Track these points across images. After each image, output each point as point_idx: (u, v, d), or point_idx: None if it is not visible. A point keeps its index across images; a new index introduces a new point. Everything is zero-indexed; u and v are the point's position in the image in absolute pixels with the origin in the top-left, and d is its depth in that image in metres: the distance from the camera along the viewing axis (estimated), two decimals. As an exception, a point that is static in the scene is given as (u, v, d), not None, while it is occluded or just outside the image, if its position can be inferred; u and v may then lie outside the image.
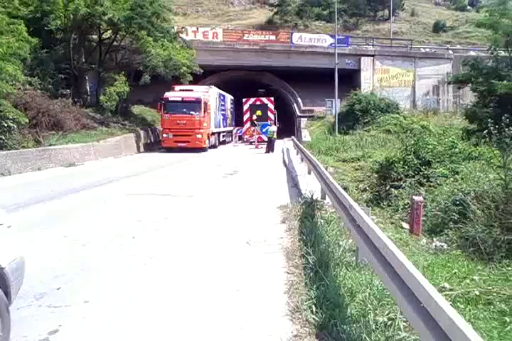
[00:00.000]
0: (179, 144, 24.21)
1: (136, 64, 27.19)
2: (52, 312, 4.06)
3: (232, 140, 35.87)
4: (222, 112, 32.06)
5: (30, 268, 4.01)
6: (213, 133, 27.69)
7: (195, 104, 24.55)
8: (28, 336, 3.63)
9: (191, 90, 26.43)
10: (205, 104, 25.07)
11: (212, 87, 29.44)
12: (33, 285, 4.48)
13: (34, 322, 3.89)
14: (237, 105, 36.40)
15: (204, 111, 24.72)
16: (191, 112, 24.40)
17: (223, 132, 32.41)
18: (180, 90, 26.45)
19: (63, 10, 23.28)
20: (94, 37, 28.50)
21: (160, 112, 25.42)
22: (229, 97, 35.51)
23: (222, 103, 32.37)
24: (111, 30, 27.83)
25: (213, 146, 27.73)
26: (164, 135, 24.65)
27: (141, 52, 26.60)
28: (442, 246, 7.21)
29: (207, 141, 25.49)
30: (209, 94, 27.05)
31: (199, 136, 24.54)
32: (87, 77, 28.82)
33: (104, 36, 28.38)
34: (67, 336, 3.65)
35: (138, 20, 24.94)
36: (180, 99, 24.82)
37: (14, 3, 22.97)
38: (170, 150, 24.19)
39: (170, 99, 24.85)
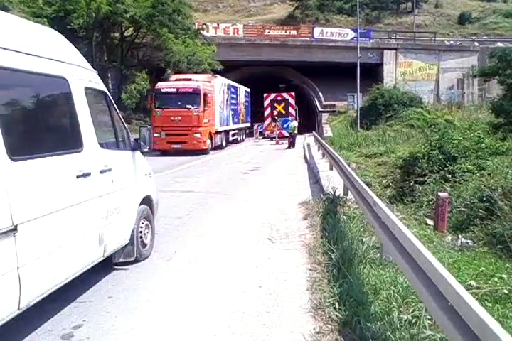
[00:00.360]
0: (173, 146, 20.12)
1: (157, 61, 27.40)
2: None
3: (244, 139, 31.73)
4: (233, 107, 27.84)
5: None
6: (218, 132, 23.23)
7: (193, 96, 19.90)
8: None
9: (189, 79, 21.81)
10: (206, 95, 20.54)
11: (217, 76, 24.40)
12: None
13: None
14: (257, 98, 34.84)
15: (204, 105, 20.28)
16: (188, 106, 19.92)
17: (234, 130, 27.99)
18: (176, 80, 22.29)
19: (85, 8, 23.62)
20: (116, 35, 28.83)
21: (150, 106, 21.38)
22: (242, 89, 31.62)
23: (233, 96, 28.27)
24: (132, 28, 28.12)
25: (219, 147, 23.50)
26: (155, 135, 18.42)
27: (162, 49, 26.81)
28: (468, 243, 7.07)
29: (208, 142, 20.99)
30: (212, 84, 22.64)
31: (197, 135, 19.96)
32: (109, 75, 29.16)
33: (125, 34, 28.68)
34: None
35: (159, 17, 25.11)
36: (174, 90, 20.24)
37: (38, 3, 23.43)
38: (164, 153, 20.18)
39: (162, 90, 20.38)
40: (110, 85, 29.41)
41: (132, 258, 5.15)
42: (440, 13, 60.62)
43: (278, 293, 4.40)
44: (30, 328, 3.73)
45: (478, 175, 10.39)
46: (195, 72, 26.21)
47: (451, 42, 44.90)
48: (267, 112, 32.35)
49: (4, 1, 19.45)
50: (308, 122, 36.32)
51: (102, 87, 4.97)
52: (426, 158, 12.27)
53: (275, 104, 32.33)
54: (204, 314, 3.95)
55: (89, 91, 4.44)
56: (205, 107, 20.33)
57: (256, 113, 36.02)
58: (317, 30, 39.23)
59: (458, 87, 38.46)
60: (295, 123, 25.92)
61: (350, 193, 7.81)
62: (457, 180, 10.82)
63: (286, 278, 4.79)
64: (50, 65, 3.76)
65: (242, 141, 30.75)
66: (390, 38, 42.40)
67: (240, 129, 30.33)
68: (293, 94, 33.03)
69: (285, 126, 28.72)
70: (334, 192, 8.16)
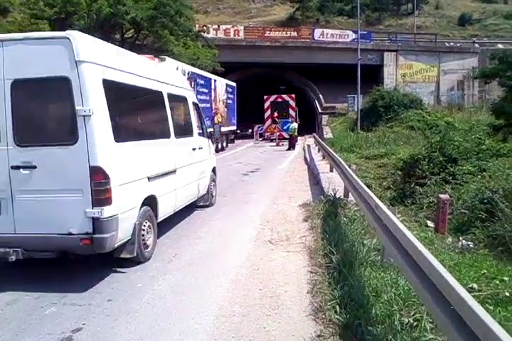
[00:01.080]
0: None
1: (158, 62, 27.35)
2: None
3: (225, 146, 25.36)
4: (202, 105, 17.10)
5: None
6: None
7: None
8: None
9: None
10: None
11: (167, 58, 16.78)
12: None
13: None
14: (257, 100, 33.67)
15: None
16: None
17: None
18: None
19: (87, 10, 23.61)
20: (117, 36, 28.79)
21: None
22: (221, 82, 26.21)
23: (203, 90, 22.16)
24: (133, 30, 28.09)
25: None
26: None
27: (163, 51, 26.79)
28: (469, 245, 7.05)
29: None
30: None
31: None
32: (110, 76, 29.14)
33: (126, 35, 28.66)
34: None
35: (161, 19, 25.09)
36: None
37: (39, 4, 23.43)
38: None
39: None
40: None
41: (207, 204, 8.77)
42: (440, 14, 60.69)
43: (279, 295, 4.38)
44: (30, 331, 3.71)
45: (479, 176, 10.36)
46: None
47: (452, 43, 44.89)
48: (267, 114, 32.32)
49: (6, 2, 19.44)
50: (309, 124, 36.24)
51: (196, 101, 8.92)
52: (426, 159, 12.25)
53: (275, 106, 32.32)
54: (205, 317, 3.93)
55: (193, 104, 8.43)
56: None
57: (256, 114, 35.86)
58: (317, 32, 39.23)
59: (458, 88, 38.42)
60: (295, 125, 25.90)
61: (350, 195, 7.80)
62: (458, 181, 10.80)
63: (286, 280, 4.78)
64: (182, 91, 7.87)
65: (223, 149, 23.98)
66: (391, 40, 42.37)
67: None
68: (293, 95, 33.01)
69: (285, 127, 28.71)
70: (335, 194, 8.14)
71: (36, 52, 4.70)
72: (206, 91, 22.85)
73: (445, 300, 2.73)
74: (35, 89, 4.76)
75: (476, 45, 41.26)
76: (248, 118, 33.89)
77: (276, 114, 31.31)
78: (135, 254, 5.19)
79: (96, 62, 4.82)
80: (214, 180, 9.23)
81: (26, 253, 4.59)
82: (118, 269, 5.12)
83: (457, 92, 38.21)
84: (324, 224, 6.65)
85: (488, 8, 62.06)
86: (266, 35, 38.34)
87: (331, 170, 12.18)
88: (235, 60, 34.01)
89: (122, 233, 4.88)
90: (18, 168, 4.64)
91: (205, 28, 33.44)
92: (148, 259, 5.48)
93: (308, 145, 22.60)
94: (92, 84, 4.67)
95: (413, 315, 3.59)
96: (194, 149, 7.83)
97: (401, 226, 3.93)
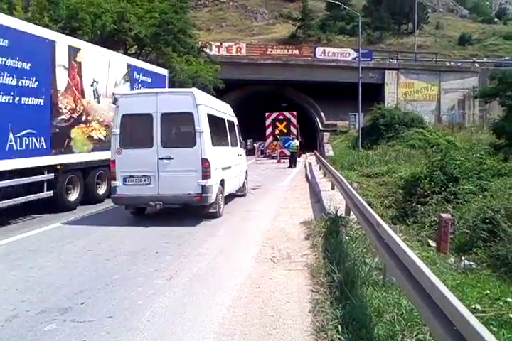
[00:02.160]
0: None
1: (161, 79, 27.57)
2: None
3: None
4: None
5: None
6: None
7: None
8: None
9: None
10: None
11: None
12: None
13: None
14: (259, 117, 33.74)
15: None
16: None
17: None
18: None
19: (91, 26, 23.89)
20: (121, 52, 29.07)
21: None
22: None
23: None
24: (137, 46, 28.39)
25: None
26: None
27: (166, 68, 27.01)
28: (471, 265, 7.01)
29: None
30: None
31: None
32: (112, 92, 29.34)
33: (130, 51, 28.94)
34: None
35: (164, 36, 25.38)
36: None
37: (44, 20, 23.71)
38: None
39: None
40: (113, 102, 29.60)
41: (242, 194, 12.64)
42: (441, 34, 61.47)
43: (280, 314, 4.34)
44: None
45: (480, 196, 10.36)
46: None
47: (452, 63, 45.35)
48: (268, 131, 32.44)
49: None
50: (310, 141, 36.39)
51: (236, 121, 12.54)
52: (428, 178, 12.26)
53: (277, 123, 32.44)
54: (206, 335, 3.89)
55: (236, 125, 12.33)
56: None
57: (258, 131, 35.96)
58: (319, 50, 39.67)
59: (459, 107, 38.64)
60: (296, 142, 25.99)
61: (352, 213, 7.79)
62: (459, 201, 10.79)
63: (288, 299, 4.74)
64: (232, 118, 12.09)
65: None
66: (392, 59, 42.79)
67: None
68: (294, 113, 33.17)
69: (287, 145, 28.80)
70: (336, 212, 8.12)
71: (175, 98, 9.03)
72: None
73: (448, 321, 2.71)
74: (174, 117, 8.93)
75: (477, 65, 41.65)
76: (250, 135, 33.96)
77: (277, 131, 31.44)
78: (216, 210, 9.25)
79: (204, 104, 9.06)
80: (246, 178, 13.15)
81: (164, 205, 8.78)
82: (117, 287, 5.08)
83: (458, 111, 38.42)
84: (326, 242, 6.63)
85: (488, 29, 62.94)
86: (268, 52, 38.78)
87: (333, 188, 12.19)
88: (237, 77, 34.32)
89: (213, 196, 8.92)
90: (162, 159, 8.73)
91: (207, 44, 33.78)
92: (220, 216, 9.44)
93: (310, 163, 22.62)
94: (203, 116, 8.81)
95: (416, 335, 3.56)
96: (238, 155, 12.12)
97: (403, 245, 3.92)
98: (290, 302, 4.64)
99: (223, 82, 29.32)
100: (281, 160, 27.99)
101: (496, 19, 70.42)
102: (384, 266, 4.84)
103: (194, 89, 9.12)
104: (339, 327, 3.87)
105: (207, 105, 9.29)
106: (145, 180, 8.75)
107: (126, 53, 28.54)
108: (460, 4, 74.65)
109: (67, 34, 23.59)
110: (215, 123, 9.85)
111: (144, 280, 5.33)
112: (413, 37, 54.00)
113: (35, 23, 22.60)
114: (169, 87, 26.40)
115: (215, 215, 9.24)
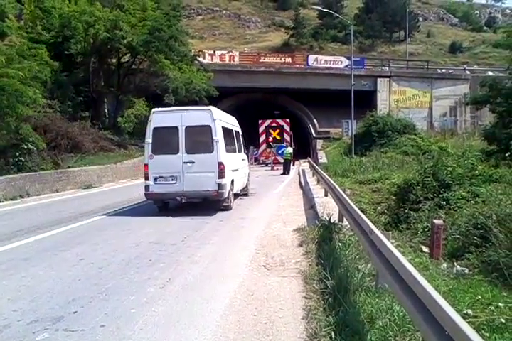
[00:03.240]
0: None
1: (154, 87, 27.65)
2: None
3: None
4: None
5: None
6: None
7: None
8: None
9: None
10: None
11: None
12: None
13: None
14: (253, 124, 33.80)
15: None
16: None
17: None
18: None
19: (83, 34, 23.98)
20: (113, 60, 29.13)
21: None
22: None
23: None
24: (129, 54, 28.45)
25: None
26: None
27: (159, 76, 27.09)
28: (464, 271, 7.02)
29: None
30: None
31: None
32: (105, 100, 29.33)
33: (122, 60, 29.00)
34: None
35: (156, 43, 25.45)
36: None
37: (37, 28, 23.75)
38: None
39: None
40: (106, 110, 29.56)
41: (245, 193, 14.64)
42: (432, 42, 62.09)
43: (273, 321, 4.34)
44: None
45: (472, 202, 10.40)
46: (194, 100, 26.52)
47: (444, 70, 45.72)
48: (262, 138, 32.52)
49: (4, 26, 19.68)
50: (303, 148, 36.49)
51: (240, 131, 14.70)
52: (420, 185, 12.29)
53: (270, 130, 32.57)
54: (198, 343, 3.89)
55: (241, 135, 14.61)
56: None
57: (251, 138, 35.97)
58: (311, 58, 39.88)
59: (451, 114, 38.94)
60: (290, 150, 26.07)
61: (345, 220, 7.81)
62: (452, 207, 10.83)
63: (281, 306, 4.74)
64: (237, 128, 14.33)
65: None
66: (384, 66, 43.09)
67: None
68: (288, 120, 33.31)
69: (280, 152, 28.87)
70: (329, 219, 8.14)
71: (197, 114, 11.11)
72: None
73: (440, 327, 2.73)
74: (195, 129, 10.84)
75: (467, 72, 42.05)
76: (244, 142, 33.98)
77: (271, 139, 31.52)
78: (228, 204, 11.41)
79: (219, 119, 11.22)
80: (248, 180, 15.23)
81: (188, 199, 10.89)
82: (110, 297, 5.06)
83: (450, 118, 38.72)
84: (319, 249, 6.64)
85: (478, 37, 63.71)
86: (261, 60, 38.96)
87: (326, 195, 12.22)
88: (230, 85, 34.43)
89: (226, 192, 11.02)
90: (186, 162, 10.77)
91: (200, 52, 33.90)
92: (231, 209, 11.53)
93: (303, 170, 22.67)
94: (218, 128, 10.92)
95: (408, 341, 3.57)
96: (243, 160, 14.42)
97: (395, 251, 3.94)
98: (283, 309, 4.64)
99: (217, 89, 29.43)
100: (275, 167, 28.05)
101: (485, 28, 71.20)
102: (377, 273, 4.85)
103: (211, 107, 11.37)
104: (332, 333, 3.88)
105: (221, 119, 11.52)
106: (172, 180, 10.81)
107: (119, 62, 28.64)
108: (450, 13, 75.42)
109: (59, 43, 23.80)
110: (227, 133, 12.02)
111: (137, 288, 5.31)
112: (405, 45, 54.58)
113: (27, 32, 22.88)
114: (163, 94, 26.62)
115: (227, 208, 11.40)
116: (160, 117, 11.05)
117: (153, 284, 5.46)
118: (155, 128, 10.87)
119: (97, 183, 18.66)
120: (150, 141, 10.86)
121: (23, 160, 16.10)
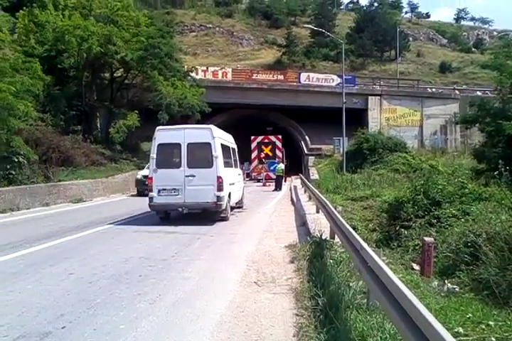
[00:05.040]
0: None
1: (147, 102, 27.72)
2: None
3: None
4: None
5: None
6: None
7: None
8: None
9: None
10: None
11: None
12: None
13: None
14: (245, 140, 33.21)
15: None
16: None
17: None
18: None
19: (77, 49, 24.04)
20: (106, 75, 29.21)
21: None
22: None
23: None
24: (122, 69, 28.55)
25: None
26: None
27: (152, 91, 27.18)
28: (454, 289, 7.04)
29: None
30: None
31: None
32: (98, 114, 29.33)
33: (115, 74, 29.08)
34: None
35: (151, 60, 25.60)
36: None
37: (30, 42, 23.81)
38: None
39: None
40: (99, 124, 29.53)
41: (241, 206, 15.46)
42: (422, 61, 63.06)
43: (264, 339, 4.31)
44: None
45: (462, 220, 10.46)
46: (186, 115, 26.63)
47: (434, 89, 46.36)
48: (254, 154, 32.62)
49: (-3, 41, 19.70)
50: (295, 165, 36.62)
51: (235, 147, 15.39)
52: (411, 202, 12.36)
53: (262, 147, 32.68)
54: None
55: (235, 149, 15.12)
56: None
57: (243, 154, 36.04)
58: (303, 76, 40.33)
59: (441, 132, 39.38)
60: (282, 166, 26.14)
61: (336, 236, 7.81)
62: (442, 225, 10.87)
63: (272, 323, 4.71)
64: (231, 144, 14.69)
65: None
66: (375, 85, 43.64)
67: None
68: (280, 136, 33.49)
69: (272, 168, 28.93)
70: (321, 236, 8.14)
71: (197, 132, 12.16)
72: None
73: (431, 344, 2.72)
74: (196, 146, 11.80)
75: (457, 92, 42.69)
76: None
77: (263, 155, 31.62)
78: (226, 215, 12.28)
79: (218, 136, 12.10)
80: (243, 194, 15.81)
81: (189, 210, 11.72)
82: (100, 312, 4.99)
83: (440, 136, 39.15)
84: (310, 265, 6.62)
85: (466, 58, 64.88)
86: (253, 77, 39.33)
87: (317, 211, 12.23)
88: (223, 101, 34.68)
89: (224, 204, 11.85)
90: (188, 176, 11.60)
91: (193, 68, 34.13)
92: (228, 220, 12.43)
93: (295, 186, 22.71)
94: (217, 145, 11.78)
95: (399, 359, 3.56)
96: (238, 174, 15.45)
97: (386, 269, 3.95)
98: (274, 327, 4.61)
99: (209, 105, 29.58)
100: (267, 183, 28.06)
101: (473, 49, 72.57)
102: (368, 290, 4.85)
103: (211, 126, 12.52)
104: (323, 351, 3.85)
105: (220, 137, 12.45)
106: (174, 192, 11.63)
107: (112, 76, 28.74)
108: (439, 34, 76.84)
109: (52, 56, 23.85)
110: (225, 150, 12.86)
111: (127, 304, 5.25)
112: (395, 64, 55.35)
113: (20, 46, 22.93)
114: (156, 109, 26.71)
115: (225, 219, 12.28)
116: (164, 134, 11.98)
117: (143, 300, 5.40)
118: (159, 145, 11.75)
119: (87, 197, 18.55)
120: (154, 156, 11.77)
121: (13, 173, 15.98)
